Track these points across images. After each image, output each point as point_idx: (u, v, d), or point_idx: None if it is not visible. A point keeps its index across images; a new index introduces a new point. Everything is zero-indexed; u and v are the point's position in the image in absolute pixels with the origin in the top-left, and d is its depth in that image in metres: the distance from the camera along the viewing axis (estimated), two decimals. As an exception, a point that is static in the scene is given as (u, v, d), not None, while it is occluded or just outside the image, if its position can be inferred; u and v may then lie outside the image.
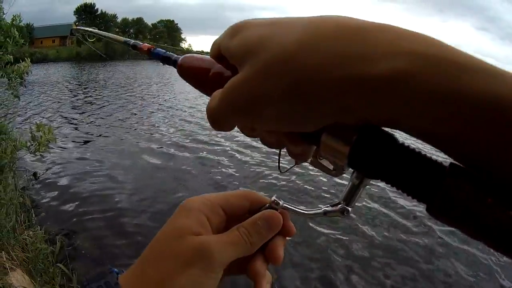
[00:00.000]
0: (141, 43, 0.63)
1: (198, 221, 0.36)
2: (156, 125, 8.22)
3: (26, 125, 7.23)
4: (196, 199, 0.38)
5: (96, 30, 0.99)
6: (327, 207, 0.37)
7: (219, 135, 7.13)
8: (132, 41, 0.69)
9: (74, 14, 55.42)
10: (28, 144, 3.81)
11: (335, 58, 0.23)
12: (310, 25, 0.25)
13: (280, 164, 0.52)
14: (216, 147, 6.47)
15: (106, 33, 0.87)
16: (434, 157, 0.24)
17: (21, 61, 4.13)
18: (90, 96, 12.55)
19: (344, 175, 0.38)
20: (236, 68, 0.29)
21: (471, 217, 0.21)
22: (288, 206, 0.39)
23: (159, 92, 14.34)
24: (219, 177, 5.14)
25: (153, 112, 9.86)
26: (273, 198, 0.39)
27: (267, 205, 0.39)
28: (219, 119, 0.31)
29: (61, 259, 2.95)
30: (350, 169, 0.37)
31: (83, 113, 9.55)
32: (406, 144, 0.25)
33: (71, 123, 8.30)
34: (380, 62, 0.21)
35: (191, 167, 5.47)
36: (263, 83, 0.26)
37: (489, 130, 0.20)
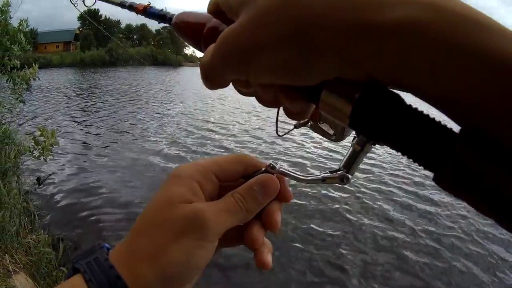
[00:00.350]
0: (137, 3, 0.62)
1: (189, 188, 0.34)
2: (155, 131, 8.24)
3: (29, 129, 7.27)
4: (187, 166, 0.36)
5: None
6: (326, 173, 0.35)
7: (214, 145, 7.16)
8: (129, 1, 0.68)
9: (78, 20, 55.73)
10: (32, 149, 3.84)
11: (344, 3, 0.21)
12: None
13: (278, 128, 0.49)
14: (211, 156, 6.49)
15: None
16: (443, 122, 0.22)
17: (26, 66, 4.18)
18: (93, 102, 12.62)
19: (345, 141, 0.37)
20: (233, 22, 0.27)
21: (483, 189, 0.19)
22: (285, 171, 0.37)
23: (159, 99, 14.39)
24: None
25: (152, 118, 9.88)
26: (269, 162, 0.37)
27: (263, 169, 0.37)
28: (212, 73, 0.29)
29: (64, 263, 2.96)
30: (351, 134, 0.36)
31: (85, 118, 9.60)
32: (414, 106, 0.23)
33: (74, 128, 8.34)
34: (392, 9, 0.20)
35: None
36: (262, 28, 0.24)
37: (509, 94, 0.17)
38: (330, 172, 0.35)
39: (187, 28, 0.38)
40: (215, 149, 6.78)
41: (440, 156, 0.21)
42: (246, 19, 0.25)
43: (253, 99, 0.31)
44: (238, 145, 7.11)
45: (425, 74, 0.20)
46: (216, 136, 7.90)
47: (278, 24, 0.23)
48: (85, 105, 11.83)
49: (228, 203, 0.34)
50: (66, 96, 13.70)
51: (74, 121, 9.16)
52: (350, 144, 0.34)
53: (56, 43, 51.34)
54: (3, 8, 3.59)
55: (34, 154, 3.86)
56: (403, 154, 0.23)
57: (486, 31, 0.19)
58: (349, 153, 0.34)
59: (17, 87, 4.17)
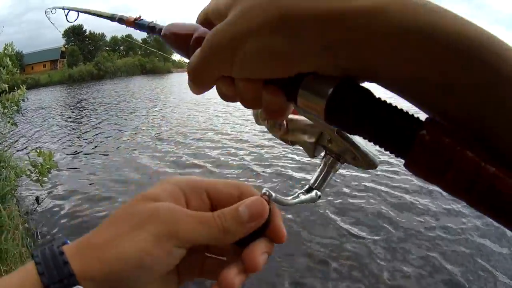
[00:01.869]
0: (127, 16, 0.61)
1: (172, 195, 0.32)
2: (151, 141, 8.25)
3: (24, 151, 7.29)
4: (181, 177, 0.34)
5: (76, 7, 0.88)
6: (302, 193, 0.37)
7: (209, 154, 7.18)
8: (118, 15, 0.66)
9: (63, 37, 55.49)
10: (28, 172, 3.87)
11: None
12: None
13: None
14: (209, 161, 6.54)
15: (90, 9, 0.79)
16: (411, 112, 0.24)
17: (15, 88, 4.20)
18: (85, 117, 12.58)
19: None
20: None
21: (448, 169, 0.21)
22: (280, 199, 0.34)
23: (150, 107, 14.38)
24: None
25: (147, 128, 9.89)
26: (264, 189, 0.34)
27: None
28: (199, 69, 0.30)
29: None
30: (322, 153, 0.39)
31: (78, 133, 9.62)
32: (382, 99, 0.24)
33: (68, 144, 8.35)
34: None
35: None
36: (247, 19, 0.26)
37: (465, 72, 0.20)
38: (304, 191, 0.37)
39: (175, 38, 0.39)
40: (215, 155, 6.82)
41: (407, 142, 0.22)
42: (235, 14, 0.27)
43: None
44: (229, 149, 7.14)
45: (390, 56, 0.22)
46: (212, 143, 7.94)
47: (262, 14, 0.25)
48: (77, 121, 11.82)
49: (205, 215, 0.31)
50: (58, 114, 13.67)
51: (67, 137, 9.15)
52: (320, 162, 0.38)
53: (42, 63, 50.98)
54: (-14, 35, 3.62)
55: (31, 177, 3.89)
56: (375, 143, 0.25)
57: (442, 15, 0.21)
58: (318, 171, 0.37)
59: (7, 110, 4.19)
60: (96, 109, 14.30)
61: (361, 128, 0.25)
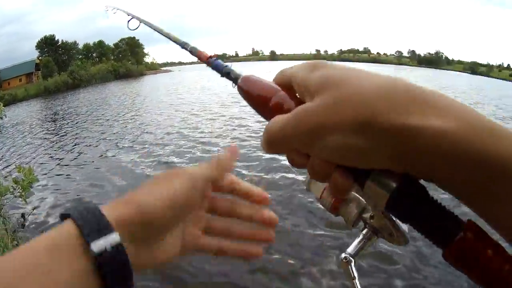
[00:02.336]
0: (200, 50, 0.58)
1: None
2: (131, 147, 8.38)
3: (6, 168, 7.25)
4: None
5: (140, 17, 0.80)
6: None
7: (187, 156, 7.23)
8: (190, 45, 0.61)
9: (36, 49, 54.14)
10: (11, 189, 3.89)
11: (402, 108, 0.26)
12: (388, 80, 0.28)
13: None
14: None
15: (160, 27, 0.71)
16: (456, 212, 0.28)
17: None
18: (63, 128, 12.54)
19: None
20: (300, 100, 0.33)
21: (477, 268, 0.25)
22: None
23: (126, 112, 14.45)
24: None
25: (126, 134, 10.00)
26: None
27: None
28: (279, 141, 0.32)
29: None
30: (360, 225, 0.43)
31: (58, 145, 9.65)
32: (435, 198, 0.28)
33: (49, 157, 8.39)
34: (435, 118, 0.25)
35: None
36: (337, 113, 0.28)
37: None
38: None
39: (253, 96, 0.39)
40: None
41: (447, 238, 0.26)
42: (324, 101, 0.29)
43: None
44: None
45: (451, 174, 0.25)
46: (180, 148, 8.06)
47: (351, 112, 0.27)
48: (56, 133, 11.77)
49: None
50: (33, 129, 13.43)
51: (47, 151, 9.15)
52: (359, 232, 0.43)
53: (18, 77, 49.33)
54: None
55: (15, 194, 3.92)
56: (422, 234, 0.29)
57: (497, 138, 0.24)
58: (357, 241, 0.42)
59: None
60: (69, 121, 14.27)
61: (414, 222, 0.29)
